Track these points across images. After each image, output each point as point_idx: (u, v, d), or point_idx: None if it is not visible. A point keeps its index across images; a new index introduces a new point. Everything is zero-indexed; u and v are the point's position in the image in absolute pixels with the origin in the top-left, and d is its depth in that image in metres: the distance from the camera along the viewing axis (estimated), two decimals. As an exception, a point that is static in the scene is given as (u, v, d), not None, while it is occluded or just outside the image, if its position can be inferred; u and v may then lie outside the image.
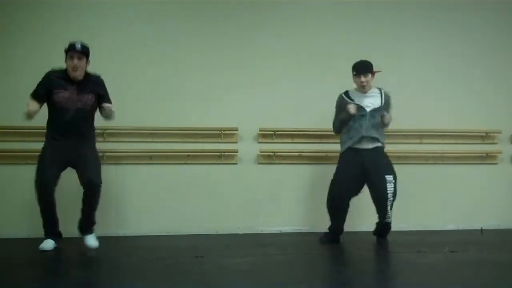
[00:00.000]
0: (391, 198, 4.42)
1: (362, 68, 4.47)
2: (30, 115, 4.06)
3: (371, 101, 4.50)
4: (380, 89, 4.59)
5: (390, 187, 4.40)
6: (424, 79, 5.45)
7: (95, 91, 4.24)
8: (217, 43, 5.20)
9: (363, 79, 4.45)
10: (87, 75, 4.24)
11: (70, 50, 4.12)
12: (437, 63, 5.49)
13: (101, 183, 4.19)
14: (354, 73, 4.50)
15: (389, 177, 4.41)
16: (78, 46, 4.12)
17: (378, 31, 5.40)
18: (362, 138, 4.42)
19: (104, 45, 4.97)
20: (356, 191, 4.55)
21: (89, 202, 4.18)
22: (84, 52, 4.15)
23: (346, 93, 4.58)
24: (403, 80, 5.34)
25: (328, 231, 4.63)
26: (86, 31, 4.87)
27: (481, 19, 5.60)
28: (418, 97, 5.37)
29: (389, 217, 4.48)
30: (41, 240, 4.14)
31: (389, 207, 4.43)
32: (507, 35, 5.63)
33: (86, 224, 4.26)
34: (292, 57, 5.27)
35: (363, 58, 4.56)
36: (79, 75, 4.15)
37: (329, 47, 5.32)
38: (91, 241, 4.23)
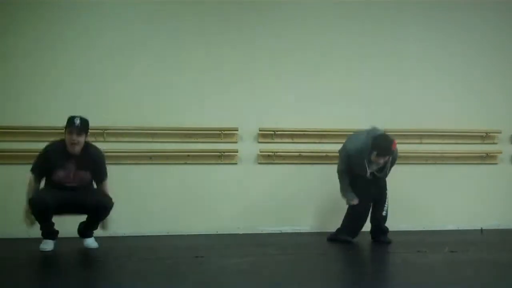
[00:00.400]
0: (386, 200, 4.57)
1: (386, 151, 4.36)
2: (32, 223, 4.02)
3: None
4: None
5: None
6: (424, 79, 5.45)
7: (93, 168, 4.15)
8: (217, 43, 5.20)
9: (382, 161, 4.38)
10: (87, 148, 4.13)
11: (70, 126, 4.00)
12: (437, 63, 5.49)
13: (113, 204, 4.16)
14: (376, 153, 4.33)
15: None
16: (77, 122, 4.00)
17: (378, 31, 5.40)
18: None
19: (104, 45, 4.98)
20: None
21: (97, 219, 4.20)
22: (84, 128, 4.05)
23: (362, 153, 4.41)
24: (403, 80, 5.35)
25: (339, 231, 4.62)
26: (85, 31, 4.87)
27: (481, 19, 5.60)
28: (418, 97, 5.37)
29: (383, 218, 4.55)
30: (41, 240, 4.13)
31: (384, 209, 4.55)
32: (507, 35, 5.63)
33: (89, 231, 4.28)
34: (292, 57, 5.27)
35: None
36: (77, 151, 4.05)
37: (329, 47, 5.31)
38: (91, 242, 4.24)
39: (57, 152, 4.06)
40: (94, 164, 4.16)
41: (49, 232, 4.14)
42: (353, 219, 4.55)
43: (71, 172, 4.08)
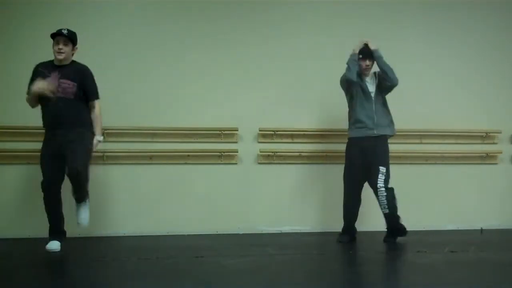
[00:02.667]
0: (383, 189, 4.42)
1: (369, 53, 4.61)
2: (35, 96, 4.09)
3: (372, 86, 4.63)
4: (373, 72, 4.74)
5: (381, 178, 4.44)
6: (424, 79, 5.45)
7: (78, 80, 4.19)
8: (217, 44, 5.20)
9: (368, 62, 4.60)
10: (73, 62, 4.28)
11: (57, 35, 4.18)
12: (437, 63, 5.49)
13: (87, 175, 4.15)
14: (360, 56, 4.60)
15: (382, 168, 4.47)
16: (65, 31, 4.18)
17: (378, 31, 5.39)
18: (371, 124, 4.53)
19: (104, 46, 4.98)
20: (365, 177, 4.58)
21: (77, 190, 4.15)
22: (70, 37, 4.19)
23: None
24: (403, 80, 5.32)
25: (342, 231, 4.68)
26: (86, 32, 4.86)
27: (481, 19, 5.60)
28: (418, 97, 5.37)
29: (386, 209, 4.43)
30: (41, 240, 4.13)
31: (383, 198, 4.43)
32: (507, 35, 5.63)
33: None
34: (292, 57, 5.27)
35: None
36: (64, 59, 4.18)
37: (329, 47, 5.31)
38: (83, 214, 4.19)
39: (43, 65, 4.21)
40: (82, 76, 4.23)
41: (56, 231, 4.14)
42: (344, 217, 4.62)
43: (56, 81, 4.12)
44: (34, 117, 4.60)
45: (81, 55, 4.73)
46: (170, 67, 5.12)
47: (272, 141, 5.19)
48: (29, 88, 4.16)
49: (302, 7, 5.36)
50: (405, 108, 5.17)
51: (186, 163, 5.07)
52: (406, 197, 5.11)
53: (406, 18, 5.51)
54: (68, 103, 4.14)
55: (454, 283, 3.17)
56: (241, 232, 5.04)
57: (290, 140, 5.23)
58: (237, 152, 5.12)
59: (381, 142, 4.56)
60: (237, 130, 5.14)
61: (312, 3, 5.36)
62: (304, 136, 5.22)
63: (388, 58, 5.21)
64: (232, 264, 3.67)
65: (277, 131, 5.16)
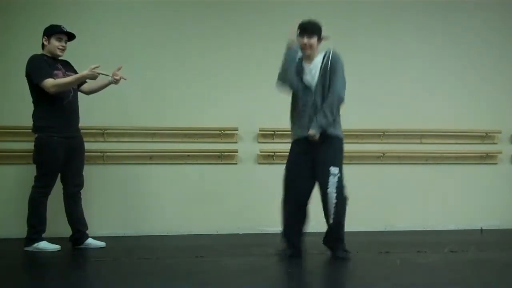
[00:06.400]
0: (335, 195, 3.73)
1: (308, 28, 3.75)
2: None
3: (314, 73, 3.79)
4: (325, 52, 3.81)
5: (333, 180, 3.72)
6: (424, 79, 5.45)
7: (73, 71, 4.27)
8: (217, 43, 5.20)
9: (305, 40, 3.74)
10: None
11: (59, 32, 4.15)
12: (437, 63, 5.49)
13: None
14: (298, 32, 3.75)
15: (334, 169, 3.72)
16: (65, 28, 4.18)
17: (377, 31, 5.40)
18: (309, 121, 3.75)
19: (104, 46, 4.98)
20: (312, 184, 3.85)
21: (79, 206, 4.28)
22: (69, 35, 4.23)
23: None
24: (403, 80, 5.35)
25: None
26: (86, 31, 4.87)
27: (481, 19, 5.60)
28: (418, 97, 5.37)
29: (332, 219, 3.79)
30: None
31: (332, 205, 3.76)
32: (507, 35, 5.62)
33: (85, 228, 4.29)
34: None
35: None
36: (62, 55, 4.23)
37: (329, 47, 5.30)
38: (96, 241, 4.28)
39: (44, 60, 4.14)
40: (73, 68, 4.30)
41: (42, 230, 4.15)
42: (282, 232, 3.95)
43: (65, 75, 4.13)
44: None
45: (81, 55, 4.74)
46: (170, 67, 5.12)
47: (272, 141, 5.19)
48: (43, 74, 4.00)
49: (303, 8, 5.34)
50: (405, 108, 5.17)
51: (186, 163, 5.07)
52: (406, 197, 5.13)
53: (405, 18, 5.50)
54: (77, 95, 4.27)
55: (454, 283, 3.17)
56: (241, 232, 5.04)
57: (290, 140, 5.21)
58: (237, 152, 5.13)
59: (329, 138, 3.76)
60: (237, 130, 5.14)
61: (313, 4, 5.36)
62: (304, 136, 5.21)
63: (388, 57, 5.23)
64: (232, 264, 3.67)
65: (277, 131, 5.16)
